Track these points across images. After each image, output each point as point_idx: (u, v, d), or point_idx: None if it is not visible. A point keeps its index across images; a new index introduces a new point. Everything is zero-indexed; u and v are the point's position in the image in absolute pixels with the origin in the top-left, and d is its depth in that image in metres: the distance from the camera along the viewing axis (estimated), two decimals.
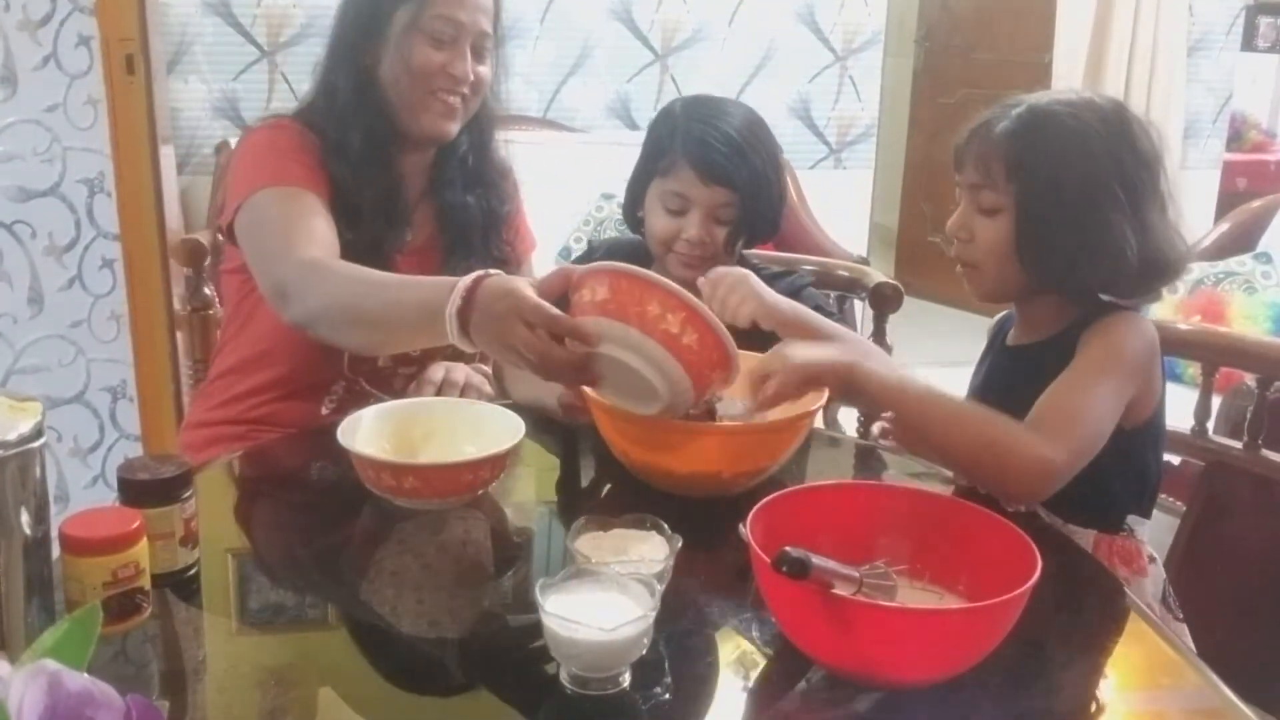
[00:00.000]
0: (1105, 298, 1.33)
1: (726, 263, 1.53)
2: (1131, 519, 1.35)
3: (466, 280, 1.15)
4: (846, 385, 1.22)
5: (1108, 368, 1.23)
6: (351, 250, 1.43)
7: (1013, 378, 1.37)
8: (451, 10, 1.51)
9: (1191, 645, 1.24)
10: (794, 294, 1.57)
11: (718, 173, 1.50)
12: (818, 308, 1.56)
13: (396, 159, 1.58)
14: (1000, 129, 1.29)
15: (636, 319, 1.09)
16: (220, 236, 1.60)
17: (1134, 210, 1.25)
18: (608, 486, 1.37)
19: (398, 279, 1.34)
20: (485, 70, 1.57)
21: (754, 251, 1.75)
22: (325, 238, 1.42)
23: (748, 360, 1.19)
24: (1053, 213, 1.26)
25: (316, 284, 1.33)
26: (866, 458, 1.49)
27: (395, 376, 1.59)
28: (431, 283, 1.22)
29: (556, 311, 1.10)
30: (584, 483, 1.44)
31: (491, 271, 1.16)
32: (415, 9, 1.51)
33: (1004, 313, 1.46)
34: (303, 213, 1.44)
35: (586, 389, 1.23)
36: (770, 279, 1.49)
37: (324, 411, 1.56)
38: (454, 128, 1.57)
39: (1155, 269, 1.28)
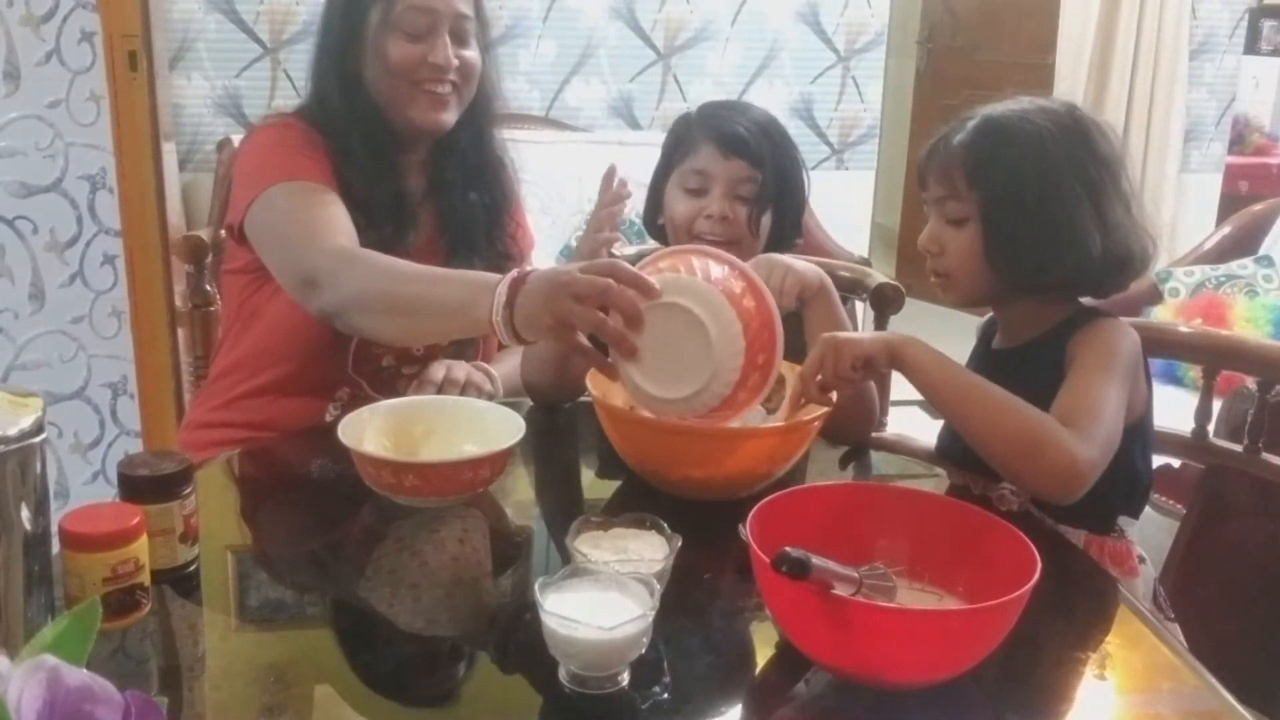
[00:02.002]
0: (1086, 302, 1.36)
1: (752, 247, 1.52)
2: (1122, 520, 1.36)
3: (518, 269, 1.20)
4: (894, 363, 1.26)
5: (1110, 369, 1.25)
6: None
7: (998, 380, 1.37)
8: None
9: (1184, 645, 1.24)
10: None
11: (737, 145, 1.49)
12: None
13: (397, 158, 1.57)
14: (957, 141, 1.32)
15: (701, 274, 1.14)
16: (225, 235, 1.59)
17: (1095, 207, 1.28)
18: (608, 485, 1.37)
19: (434, 269, 1.37)
20: (471, 54, 1.55)
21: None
22: (348, 228, 1.43)
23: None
24: (1016, 214, 1.28)
25: (350, 271, 1.34)
26: (866, 458, 1.48)
27: (399, 379, 1.58)
28: (474, 273, 1.30)
29: (621, 260, 1.13)
30: (584, 481, 1.44)
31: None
32: (385, 5, 1.50)
33: (990, 315, 1.47)
34: (322, 204, 1.44)
35: (599, 385, 1.24)
36: None
37: (328, 418, 1.55)
38: (449, 117, 1.56)
39: (1120, 263, 1.30)
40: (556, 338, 1.14)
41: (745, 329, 1.13)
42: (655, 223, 1.61)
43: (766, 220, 1.54)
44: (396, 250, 1.50)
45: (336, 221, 1.43)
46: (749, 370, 1.14)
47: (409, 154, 1.60)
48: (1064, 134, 1.29)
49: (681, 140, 1.55)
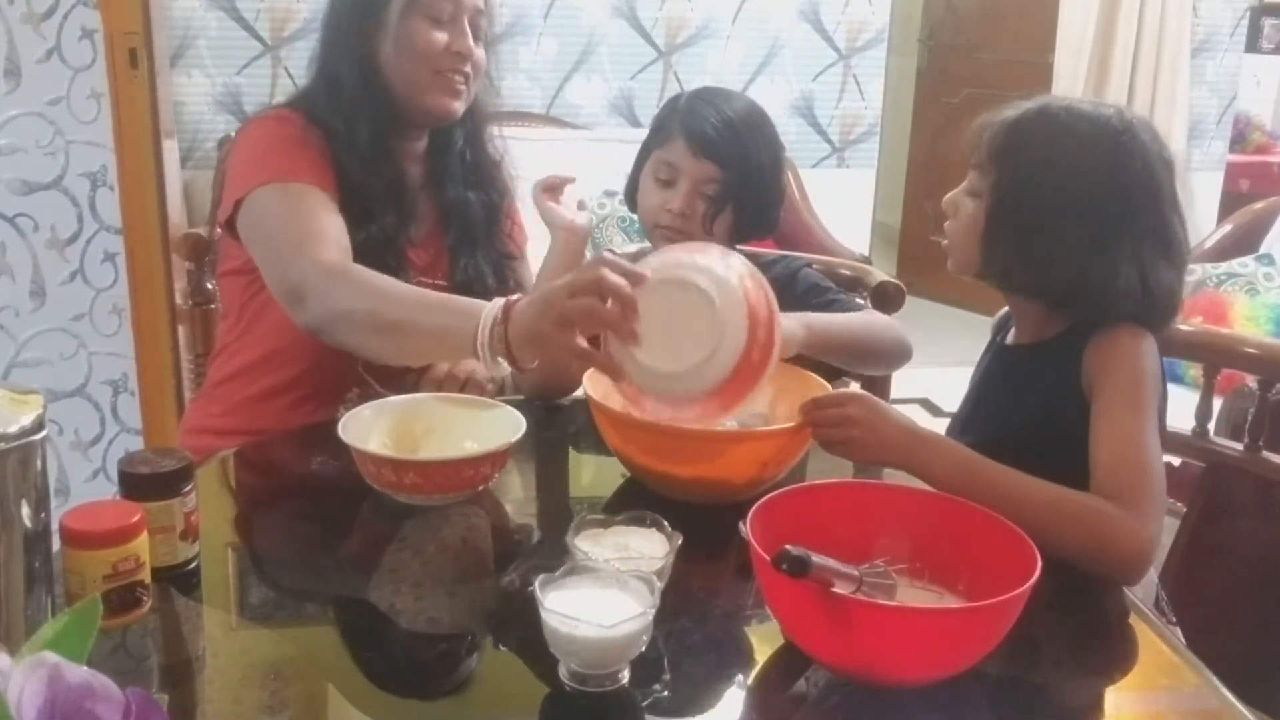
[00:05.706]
0: None
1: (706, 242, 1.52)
2: None
3: (508, 297, 1.22)
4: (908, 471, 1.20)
5: (1141, 405, 1.20)
6: (364, 244, 1.43)
7: (1009, 376, 1.37)
8: None
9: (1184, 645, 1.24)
10: (790, 276, 1.57)
11: (706, 146, 1.49)
12: (814, 285, 1.57)
13: (398, 147, 1.57)
14: (1004, 116, 1.30)
15: (698, 254, 1.17)
16: (219, 232, 1.57)
17: (1108, 236, 1.23)
18: (608, 483, 1.37)
19: (425, 292, 1.38)
20: (482, 52, 1.57)
21: (753, 248, 1.74)
22: (338, 238, 1.41)
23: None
24: (1017, 209, 1.26)
25: (339, 288, 1.33)
26: None
27: (409, 372, 1.56)
28: (464, 299, 1.30)
29: (613, 254, 1.17)
30: (584, 479, 1.44)
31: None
32: None
33: (1005, 310, 1.46)
34: (312, 211, 1.42)
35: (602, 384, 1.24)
36: (765, 265, 1.49)
37: (339, 418, 1.52)
38: (460, 106, 1.57)
39: (1150, 301, 1.25)
40: (557, 344, 1.14)
41: (746, 301, 1.13)
42: (634, 196, 1.62)
43: (726, 216, 1.54)
44: (402, 241, 1.50)
45: (327, 231, 1.40)
46: (751, 344, 1.13)
47: (409, 143, 1.60)
48: (1103, 150, 1.24)
49: (664, 124, 1.56)
